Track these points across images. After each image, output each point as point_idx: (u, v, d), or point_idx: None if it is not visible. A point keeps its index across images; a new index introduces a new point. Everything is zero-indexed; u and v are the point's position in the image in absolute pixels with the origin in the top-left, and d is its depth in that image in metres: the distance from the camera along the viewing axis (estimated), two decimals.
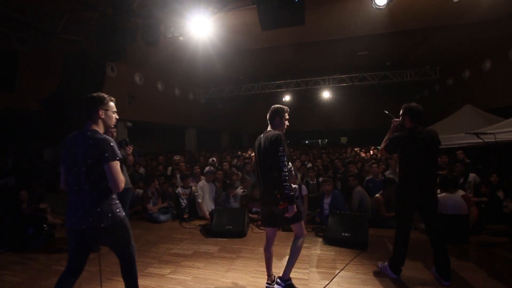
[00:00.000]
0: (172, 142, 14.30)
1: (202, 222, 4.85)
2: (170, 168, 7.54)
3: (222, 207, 4.88)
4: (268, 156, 2.39)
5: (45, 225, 4.19)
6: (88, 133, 1.89)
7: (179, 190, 5.39)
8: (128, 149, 3.50)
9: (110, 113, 2.02)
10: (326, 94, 13.58)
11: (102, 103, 1.97)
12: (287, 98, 14.01)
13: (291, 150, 10.55)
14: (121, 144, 3.58)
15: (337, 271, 3.00)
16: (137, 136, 10.54)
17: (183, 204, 5.26)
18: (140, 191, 5.67)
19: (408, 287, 2.66)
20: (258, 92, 12.80)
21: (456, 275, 2.80)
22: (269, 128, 2.59)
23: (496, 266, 3.00)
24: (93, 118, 1.95)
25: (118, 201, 2.01)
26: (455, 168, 5.23)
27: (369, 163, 6.11)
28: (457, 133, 6.30)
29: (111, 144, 1.88)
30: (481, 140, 4.11)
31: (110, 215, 1.88)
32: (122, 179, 1.89)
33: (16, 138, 8.23)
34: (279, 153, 2.31)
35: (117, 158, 1.89)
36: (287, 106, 2.64)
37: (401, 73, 11.20)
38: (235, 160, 8.69)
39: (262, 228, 4.52)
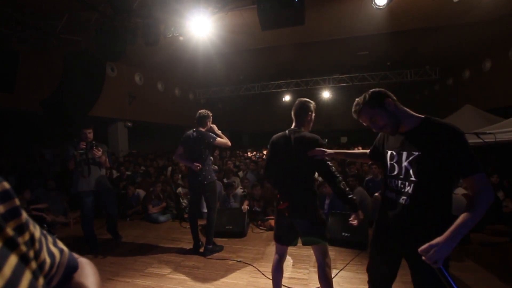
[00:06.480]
0: (172, 142, 14.28)
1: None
2: (170, 168, 7.54)
3: (222, 207, 4.88)
4: (302, 159, 1.97)
5: (45, 225, 4.19)
6: None
7: (180, 190, 5.39)
8: (95, 152, 3.46)
9: None
10: (326, 94, 13.56)
11: None
12: (287, 98, 13.95)
13: None
14: (88, 147, 3.50)
15: (337, 271, 2.99)
16: (137, 136, 10.55)
17: (183, 204, 5.26)
18: (140, 191, 5.67)
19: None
20: (258, 92, 12.79)
21: (456, 275, 2.80)
22: (294, 126, 2.11)
23: (496, 266, 2.99)
24: None
25: None
26: None
27: (369, 163, 6.09)
28: None
29: None
30: (481, 140, 4.11)
31: None
32: None
33: (16, 138, 8.23)
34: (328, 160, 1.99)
35: None
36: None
37: (401, 73, 11.19)
38: (235, 160, 8.69)
39: (262, 228, 4.53)
